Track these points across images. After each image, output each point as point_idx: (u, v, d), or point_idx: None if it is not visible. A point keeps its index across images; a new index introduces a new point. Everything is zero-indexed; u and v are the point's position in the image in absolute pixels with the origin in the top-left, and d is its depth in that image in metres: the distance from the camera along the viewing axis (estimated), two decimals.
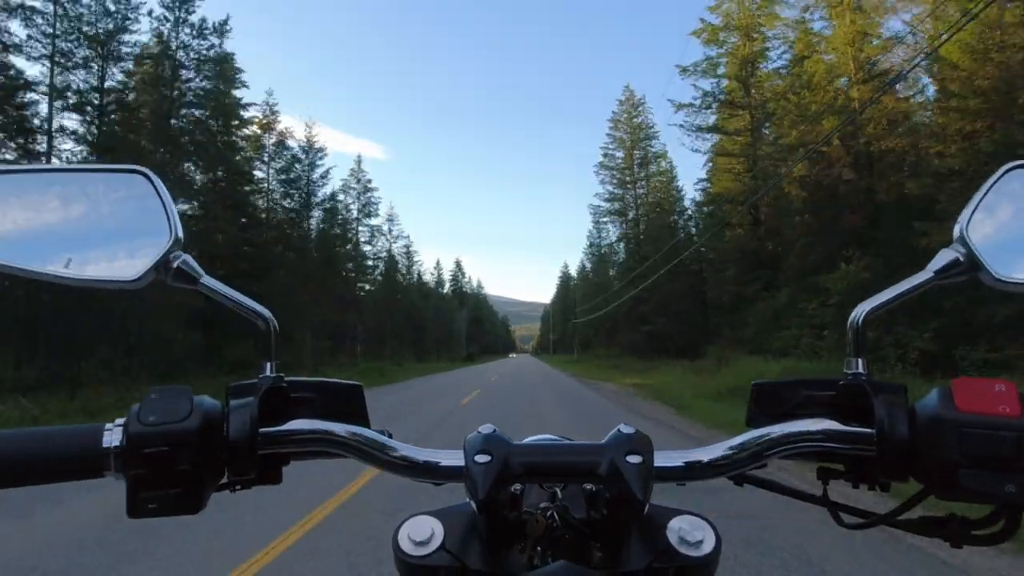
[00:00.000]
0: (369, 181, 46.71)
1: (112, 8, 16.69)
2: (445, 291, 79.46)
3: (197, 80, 20.14)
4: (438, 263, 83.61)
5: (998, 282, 0.45)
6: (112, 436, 0.42)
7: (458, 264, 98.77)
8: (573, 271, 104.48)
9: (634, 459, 0.41)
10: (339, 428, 0.47)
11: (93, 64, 16.30)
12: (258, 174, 27.22)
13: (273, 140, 29.01)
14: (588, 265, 59.41)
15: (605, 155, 45.01)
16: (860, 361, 0.46)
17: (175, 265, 0.48)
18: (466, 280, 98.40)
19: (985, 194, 0.48)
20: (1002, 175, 0.48)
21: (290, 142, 30.24)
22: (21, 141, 14.98)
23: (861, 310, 0.47)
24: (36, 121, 15.38)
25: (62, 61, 15.55)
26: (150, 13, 19.53)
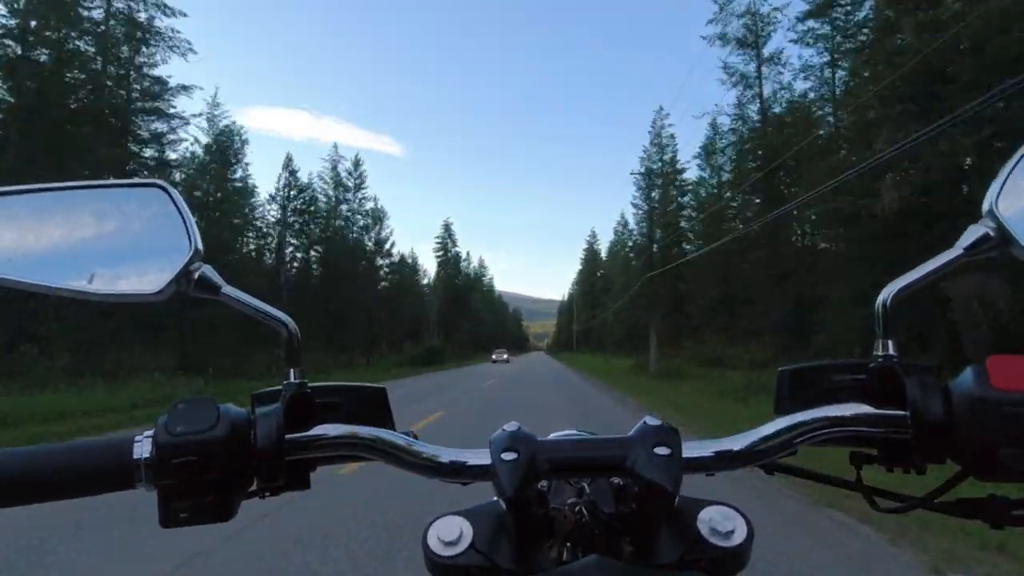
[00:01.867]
0: None
1: None
2: (394, 253, 49.29)
3: None
4: (356, 167, 43.08)
5: None
6: (142, 448, 0.44)
7: (447, 228, 71.54)
8: (603, 246, 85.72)
9: (662, 451, 0.42)
10: (364, 431, 0.49)
11: None
12: None
13: None
14: (634, 217, 42.12)
15: None
16: (890, 343, 0.46)
17: (196, 276, 0.50)
18: (456, 249, 72.36)
19: (1015, 166, 0.48)
20: None
21: None
22: None
23: (889, 290, 0.47)
24: None
25: None
26: None
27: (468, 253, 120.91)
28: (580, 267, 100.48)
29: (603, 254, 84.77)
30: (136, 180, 0.53)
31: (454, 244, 72.80)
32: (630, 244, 49.32)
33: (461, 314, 70.60)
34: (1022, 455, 0.39)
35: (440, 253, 74.18)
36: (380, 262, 46.03)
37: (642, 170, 40.30)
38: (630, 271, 44.64)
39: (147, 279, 0.49)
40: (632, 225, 47.27)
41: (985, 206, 0.47)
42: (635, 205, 41.45)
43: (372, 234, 44.87)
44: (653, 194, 39.55)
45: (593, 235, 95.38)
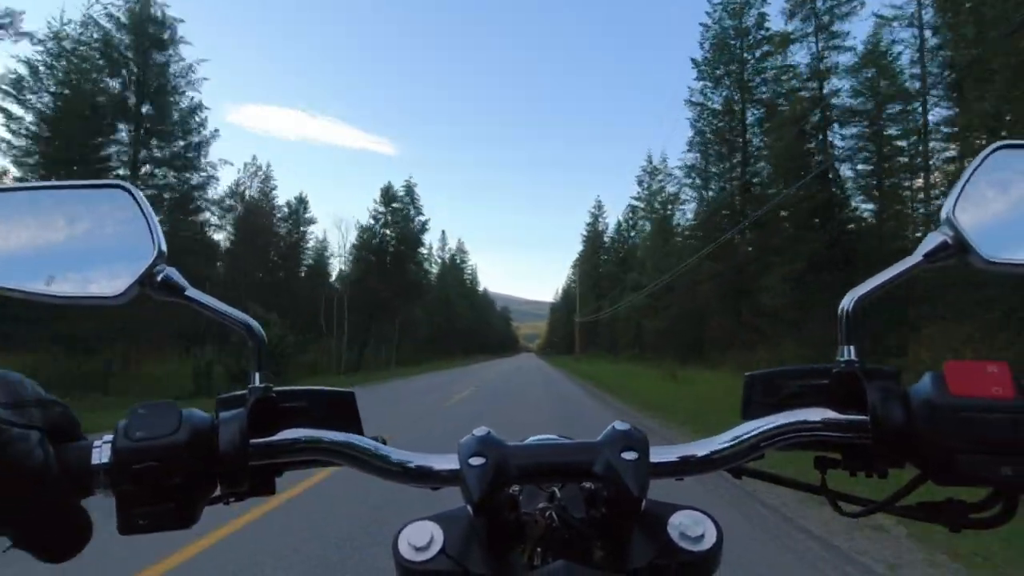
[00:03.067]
0: None
1: None
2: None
3: None
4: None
5: (987, 263, 0.47)
6: (100, 453, 0.43)
7: (409, 190, 46.71)
8: (611, 219, 71.93)
9: (629, 456, 0.43)
10: (330, 436, 0.49)
11: None
12: None
13: None
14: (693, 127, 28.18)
15: None
16: (852, 348, 0.48)
17: (159, 278, 0.50)
18: (421, 218, 46.68)
19: (971, 175, 0.49)
20: (987, 155, 0.50)
21: None
22: None
23: (852, 295, 0.48)
24: None
25: None
26: None
27: (444, 233, 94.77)
28: (581, 247, 78.39)
29: (610, 230, 67.48)
30: (97, 181, 0.53)
31: (418, 212, 47.61)
32: (667, 193, 35.65)
33: (406, 299, 43.12)
34: (979, 460, 0.40)
35: (397, 223, 48.68)
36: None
37: (710, 42, 27.28)
38: (669, 236, 33.18)
39: (108, 282, 0.49)
40: (676, 161, 32.68)
41: (943, 214, 0.48)
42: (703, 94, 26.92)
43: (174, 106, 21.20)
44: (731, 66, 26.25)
45: (598, 206, 72.79)
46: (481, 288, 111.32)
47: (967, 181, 0.49)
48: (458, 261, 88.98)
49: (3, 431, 0.39)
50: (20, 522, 0.41)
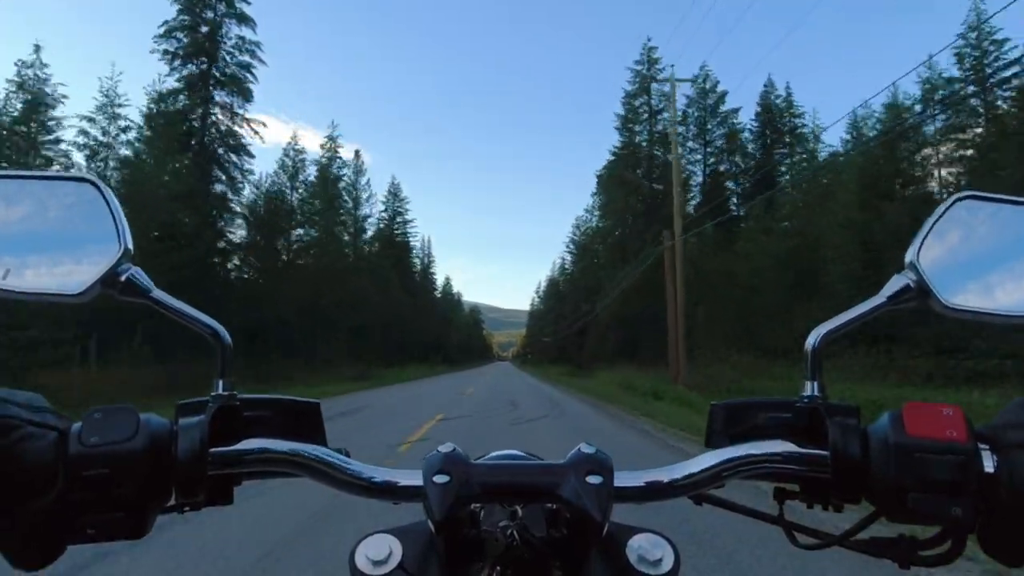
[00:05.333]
0: None
1: None
2: None
3: None
4: None
5: (946, 309, 0.49)
6: None
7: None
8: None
9: (594, 480, 0.44)
10: (293, 447, 0.49)
11: None
12: None
13: None
14: None
15: None
16: (815, 384, 0.50)
17: (124, 278, 0.50)
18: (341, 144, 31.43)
19: (936, 222, 0.52)
20: (952, 204, 0.52)
21: None
22: None
23: (817, 333, 0.51)
24: None
25: None
26: None
27: (358, 152, 51.05)
28: (573, 224, 54.93)
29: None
30: (64, 173, 0.52)
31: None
32: None
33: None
34: (928, 500, 0.42)
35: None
36: None
37: None
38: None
39: (71, 279, 0.49)
40: None
41: (908, 258, 0.51)
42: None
43: None
44: None
45: (647, 59, 37.94)
46: (441, 274, 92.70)
47: (932, 227, 0.51)
48: (388, 213, 56.70)
49: (19, 427, 0.41)
50: (14, 521, 0.41)
